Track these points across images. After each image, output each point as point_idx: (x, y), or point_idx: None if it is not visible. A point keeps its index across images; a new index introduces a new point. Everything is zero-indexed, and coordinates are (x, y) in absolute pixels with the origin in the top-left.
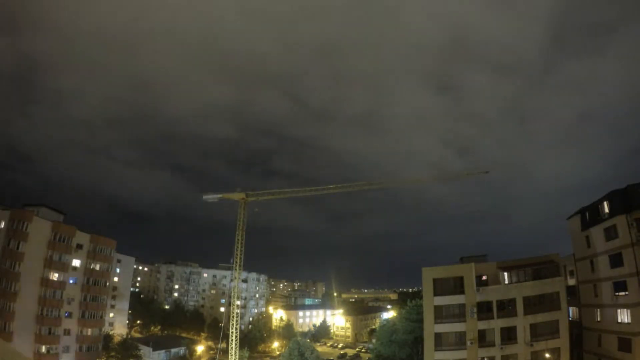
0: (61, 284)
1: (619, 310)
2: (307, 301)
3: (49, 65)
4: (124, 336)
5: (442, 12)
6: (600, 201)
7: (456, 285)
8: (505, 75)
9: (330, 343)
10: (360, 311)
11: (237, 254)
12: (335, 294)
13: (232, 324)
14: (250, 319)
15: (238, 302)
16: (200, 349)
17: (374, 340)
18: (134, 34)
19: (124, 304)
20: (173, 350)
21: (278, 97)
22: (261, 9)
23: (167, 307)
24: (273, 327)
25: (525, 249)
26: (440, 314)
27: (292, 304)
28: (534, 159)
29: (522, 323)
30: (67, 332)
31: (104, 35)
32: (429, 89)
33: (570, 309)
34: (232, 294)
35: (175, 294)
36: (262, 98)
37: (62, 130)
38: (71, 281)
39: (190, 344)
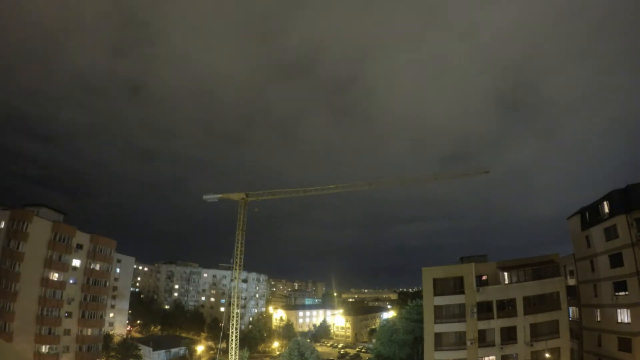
0: (61, 284)
1: (619, 310)
2: (307, 301)
3: None
4: (124, 336)
5: None
6: (600, 201)
7: (456, 285)
8: None
9: (330, 343)
10: (360, 311)
11: (237, 254)
12: (335, 294)
13: (232, 324)
14: (250, 319)
15: (238, 302)
16: (200, 349)
17: (374, 340)
18: None
19: (124, 304)
20: (173, 350)
21: None
22: None
23: (167, 307)
24: (273, 327)
25: (525, 249)
26: (440, 314)
27: (292, 304)
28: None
29: (522, 323)
30: (67, 332)
31: None
32: None
33: (570, 309)
34: (232, 294)
35: (175, 294)
36: None
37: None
38: (71, 281)
39: (190, 344)
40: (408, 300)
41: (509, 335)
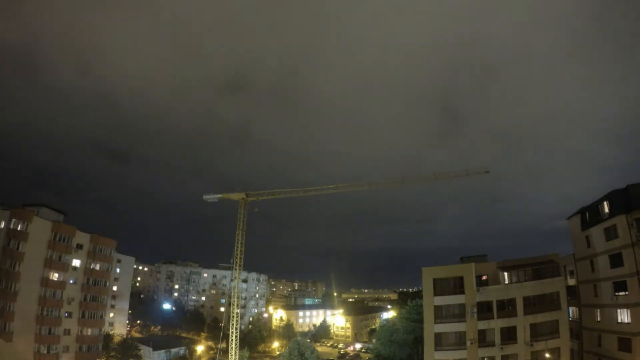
0: (61, 284)
1: (619, 310)
2: (307, 301)
3: None
4: (124, 336)
5: None
6: (600, 201)
7: (456, 285)
8: None
9: (330, 343)
10: (360, 311)
11: (237, 254)
12: (335, 294)
13: (232, 324)
14: (250, 319)
15: (238, 302)
16: (200, 349)
17: (374, 340)
18: None
19: (124, 304)
20: (173, 350)
21: None
22: None
23: (167, 307)
24: (273, 327)
25: (525, 249)
26: (440, 314)
27: (292, 304)
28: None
29: (522, 323)
30: (67, 332)
31: None
32: None
33: (570, 309)
34: (232, 294)
35: (175, 294)
36: None
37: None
38: (71, 281)
39: (190, 344)
40: (408, 300)
41: (509, 335)
